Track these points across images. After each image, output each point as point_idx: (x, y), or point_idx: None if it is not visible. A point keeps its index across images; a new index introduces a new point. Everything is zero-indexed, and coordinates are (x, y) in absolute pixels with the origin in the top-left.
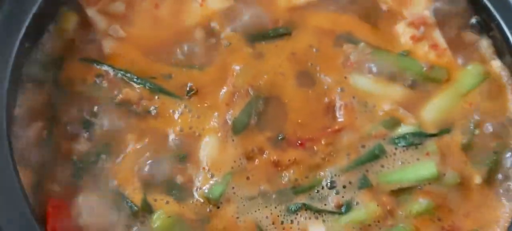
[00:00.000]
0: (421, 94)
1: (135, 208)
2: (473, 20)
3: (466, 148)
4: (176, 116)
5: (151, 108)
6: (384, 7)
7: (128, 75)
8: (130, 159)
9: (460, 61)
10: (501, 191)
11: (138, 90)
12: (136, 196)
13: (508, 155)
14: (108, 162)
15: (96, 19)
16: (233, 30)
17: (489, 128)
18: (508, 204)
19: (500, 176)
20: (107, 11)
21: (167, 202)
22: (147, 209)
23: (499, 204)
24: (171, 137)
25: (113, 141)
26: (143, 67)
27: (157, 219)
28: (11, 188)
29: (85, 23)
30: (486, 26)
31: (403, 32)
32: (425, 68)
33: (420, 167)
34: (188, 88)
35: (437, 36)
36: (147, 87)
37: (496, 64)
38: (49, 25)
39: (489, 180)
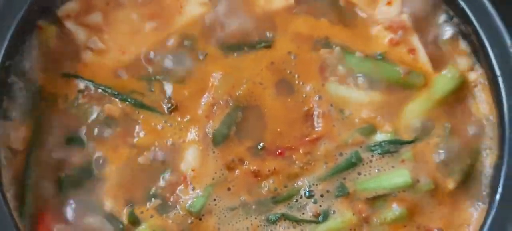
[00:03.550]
0: (397, 100)
1: (122, 222)
2: (450, 25)
3: (440, 154)
4: (158, 130)
5: (132, 124)
6: (359, 11)
7: (109, 90)
8: (114, 174)
9: (436, 65)
10: (473, 195)
11: (119, 106)
12: (121, 210)
13: (481, 160)
14: (93, 177)
15: (75, 32)
16: (211, 39)
17: (463, 132)
18: (481, 207)
19: (473, 181)
20: (86, 22)
21: (152, 216)
22: (134, 222)
23: (472, 208)
24: (153, 151)
25: (97, 157)
26: (122, 81)
27: None
28: None
29: (65, 36)
30: (463, 31)
31: (380, 36)
32: (402, 74)
33: (394, 175)
34: (168, 104)
35: (415, 40)
36: (128, 103)
37: (472, 68)
38: (29, 40)
39: (462, 185)
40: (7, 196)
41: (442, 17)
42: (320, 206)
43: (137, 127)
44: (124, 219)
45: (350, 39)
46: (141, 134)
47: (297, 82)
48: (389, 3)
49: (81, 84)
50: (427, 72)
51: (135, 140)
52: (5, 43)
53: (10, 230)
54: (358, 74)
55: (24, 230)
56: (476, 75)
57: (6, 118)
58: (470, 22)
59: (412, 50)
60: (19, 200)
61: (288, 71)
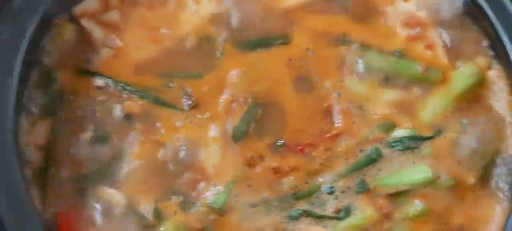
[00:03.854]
0: (416, 97)
1: (146, 218)
2: (470, 21)
3: (460, 150)
4: (178, 127)
5: (152, 121)
6: (377, 7)
7: (129, 87)
8: (136, 171)
9: (455, 61)
10: (494, 189)
11: (139, 103)
12: (144, 207)
13: (501, 155)
14: (114, 174)
15: (92, 30)
16: (229, 36)
17: (482, 128)
18: (502, 202)
19: (493, 175)
20: (103, 21)
21: (175, 213)
22: (158, 218)
23: (493, 202)
24: (174, 147)
25: (118, 154)
26: (141, 78)
27: (165, 230)
28: (23, 206)
29: (82, 35)
30: (482, 27)
31: (398, 32)
32: (420, 70)
33: (415, 171)
34: (188, 101)
35: (432, 36)
36: (148, 100)
37: (490, 64)
38: (47, 37)
39: (483, 180)
40: (31, 193)
41: (461, 13)
42: (341, 202)
43: (157, 124)
44: (149, 215)
45: (367, 36)
46: (162, 131)
47: (315, 79)
48: (406, 0)
49: (101, 82)
50: (445, 68)
51: (156, 136)
52: (26, 41)
53: (35, 226)
54: (376, 71)
55: (48, 227)
56: (494, 71)
57: (27, 115)
58: (488, 18)
59: (430, 46)
60: (42, 197)
61: (306, 68)
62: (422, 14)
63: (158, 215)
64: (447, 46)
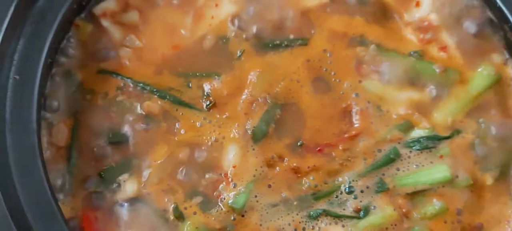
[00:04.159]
0: (433, 97)
1: (167, 217)
2: (485, 21)
3: (478, 150)
4: (197, 127)
5: (172, 120)
6: (391, 10)
7: (148, 87)
8: (156, 171)
9: (471, 62)
10: None
11: (159, 103)
12: (165, 206)
13: None
14: (135, 174)
15: (111, 30)
16: (247, 37)
17: (499, 128)
18: None
19: (511, 176)
20: (122, 21)
21: (195, 213)
22: (179, 217)
23: (510, 203)
24: (194, 148)
25: (139, 154)
26: (161, 78)
27: (185, 230)
28: (48, 207)
29: (101, 35)
30: (499, 27)
31: (412, 35)
32: (438, 71)
33: (434, 171)
34: (206, 101)
35: (446, 38)
36: (167, 100)
37: (505, 64)
38: (67, 38)
39: (501, 179)
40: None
41: (477, 14)
42: (361, 201)
43: (177, 123)
44: (170, 214)
45: (384, 37)
46: (182, 131)
47: (333, 79)
48: (417, 4)
49: (120, 82)
50: (461, 69)
51: (176, 137)
52: (48, 42)
53: (58, 225)
54: (394, 71)
55: (72, 228)
56: (510, 71)
57: (49, 114)
58: (506, 19)
59: (443, 48)
60: (65, 197)
61: (324, 69)
62: (432, 18)
63: (179, 215)
64: (463, 47)
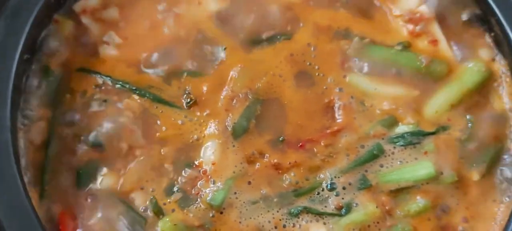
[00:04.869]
0: (419, 92)
1: (143, 214)
2: (474, 15)
3: (464, 146)
4: (178, 125)
5: (152, 119)
6: (378, 2)
7: (127, 85)
8: (136, 168)
9: (460, 57)
10: (498, 187)
11: (138, 101)
12: (143, 203)
13: (506, 151)
14: (113, 172)
15: (91, 27)
16: (230, 33)
17: (486, 124)
18: (505, 200)
19: (498, 172)
20: (102, 17)
21: (173, 210)
22: (158, 213)
23: (497, 199)
24: (174, 146)
25: (118, 152)
26: (140, 76)
27: (163, 227)
28: (21, 205)
29: (81, 31)
30: (487, 22)
31: (401, 27)
32: (424, 62)
33: (418, 167)
34: (187, 99)
35: (436, 31)
36: (146, 98)
37: (494, 60)
38: (46, 34)
39: (487, 176)
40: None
41: (466, 8)
42: (343, 198)
43: (157, 121)
44: (148, 211)
45: (370, 30)
46: (161, 129)
47: (317, 74)
48: None
49: (99, 79)
50: (450, 63)
51: (156, 134)
52: (23, 37)
53: (34, 226)
54: (379, 65)
55: (46, 226)
56: (499, 67)
57: (25, 112)
58: (493, 13)
59: (433, 41)
60: (40, 196)
61: (308, 63)
62: (424, 9)
63: (157, 211)
64: (453, 41)
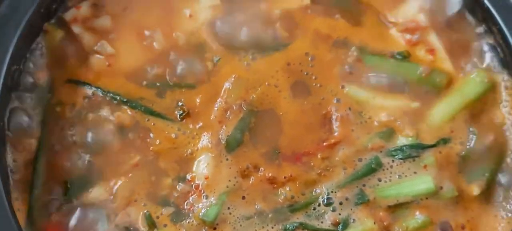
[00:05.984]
0: (420, 103)
1: (140, 228)
2: (475, 25)
3: (464, 159)
4: (171, 137)
5: (144, 132)
6: (376, 12)
7: (118, 97)
8: (128, 182)
9: (460, 66)
10: (499, 202)
11: (129, 113)
12: (134, 218)
13: (506, 165)
14: (103, 186)
15: (82, 36)
16: (224, 43)
17: (487, 137)
18: (507, 214)
19: (498, 187)
20: (93, 26)
21: (165, 225)
22: (151, 226)
23: (498, 214)
24: (165, 159)
25: (109, 165)
26: (133, 87)
27: None
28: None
29: (72, 41)
30: (488, 31)
31: (398, 37)
32: (423, 73)
33: (417, 181)
34: (179, 111)
35: (434, 40)
36: (138, 110)
37: (493, 70)
38: (35, 44)
39: (487, 191)
40: (14, 206)
41: (466, 17)
42: (340, 214)
43: (150, 134)
44: (140, 225)
45: (368, 39)
46: (153, 142)
47: (314, 84)
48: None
49: (89, 91)
50: (450, 73)
51: (148, 147)
52: (11, 48)
53: None
54: (377, 75)
55: None
56: (501, 78)
57: (14, 124)
58: (495, 22)
59: (431, 51)
60: (26, 211)
61: (305, 73)
62: (420, 19)
63: (151, 224)
64: (452, 51)
